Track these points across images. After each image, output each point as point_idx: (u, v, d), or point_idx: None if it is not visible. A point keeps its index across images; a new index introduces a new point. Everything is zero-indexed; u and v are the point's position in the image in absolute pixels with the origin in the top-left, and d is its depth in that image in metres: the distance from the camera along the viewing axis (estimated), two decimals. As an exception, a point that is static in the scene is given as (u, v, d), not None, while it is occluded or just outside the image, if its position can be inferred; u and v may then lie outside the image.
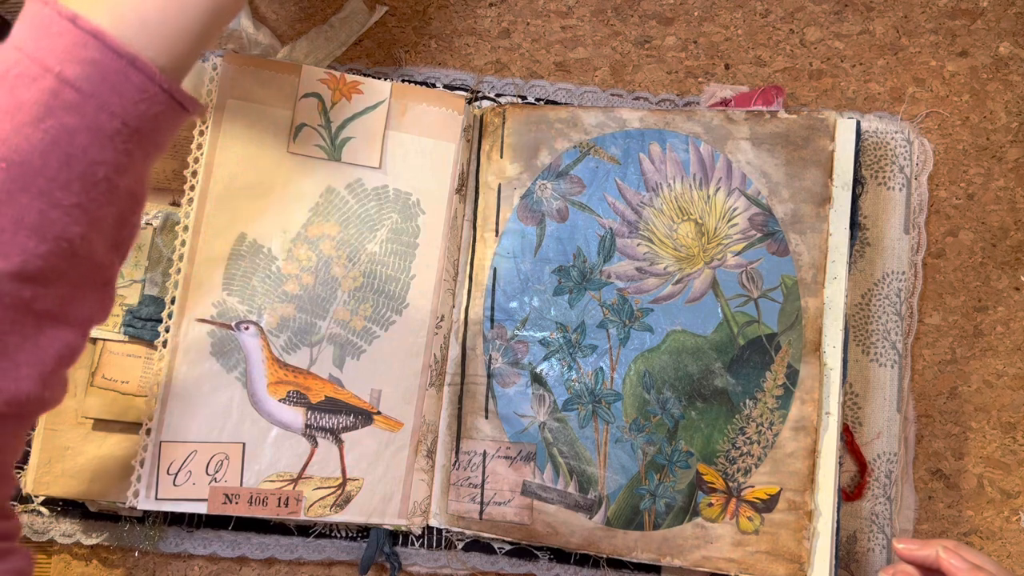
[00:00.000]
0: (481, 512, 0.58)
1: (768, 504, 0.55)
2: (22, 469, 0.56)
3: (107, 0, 0.34)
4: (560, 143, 0.60)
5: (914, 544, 0.51)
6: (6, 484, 0.37)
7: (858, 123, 0.57)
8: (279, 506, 0.56)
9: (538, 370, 0.58)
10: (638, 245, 0.59)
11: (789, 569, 0.54)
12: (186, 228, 0.57)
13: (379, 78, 0.61)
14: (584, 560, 0.59)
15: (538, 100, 0.63)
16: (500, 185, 0.61)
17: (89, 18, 0.33)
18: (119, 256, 0.40)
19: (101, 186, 0.35)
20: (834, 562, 0.54)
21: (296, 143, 0.58)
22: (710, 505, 0.56)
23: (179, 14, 0.36)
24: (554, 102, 0.63)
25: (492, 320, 0.60)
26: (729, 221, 0.58)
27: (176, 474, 0.55)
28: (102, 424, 0.56)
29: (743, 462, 0.56)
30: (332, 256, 0.59)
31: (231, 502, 0.56)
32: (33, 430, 0.56)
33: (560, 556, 0.59)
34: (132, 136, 0.35)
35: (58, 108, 0.33)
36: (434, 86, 0.63)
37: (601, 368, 0.58)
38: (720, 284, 0.57)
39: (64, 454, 0.56)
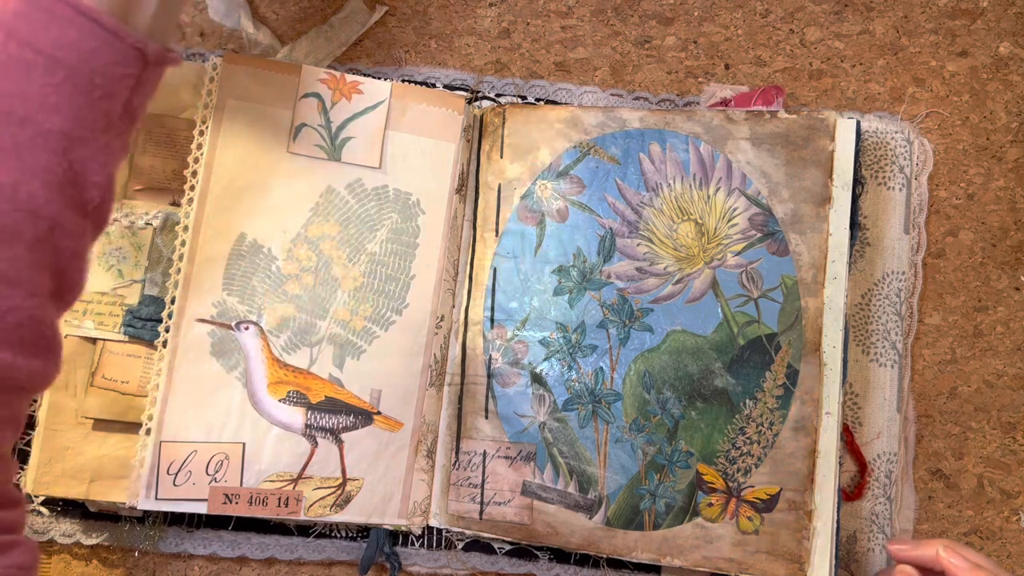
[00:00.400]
0: (481, 512, 0.58)
1: (768, 504, 0.55)
2: (22, 469, 0.56)
3: None
4: (560, 143, 0.60)
5: (907, 544, 0.51)
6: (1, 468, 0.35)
7: (858, 123, 0.57)
8: (279, 506, 0.56)
9: (538, 370, 0.58)
10: (638, 245, 0.59)
11: (789, 569, 0.54)
12: (186, 228, 0.57)
13: (379, 78, 0.61)
14: (584, 560, 0.59)
15: (538, 100, 0.63)
16: (500, 185, 0.61)
17: None
18: (92, 224, 0.36)
19: (27, 128, 0.32)
20: (834, 562, 0.54)
21: (296, 143, 0.58)
22: (710, 505, 0.56)
23: None
24: (554, 102, 0.63)
25: (492, 320, 0.60)
26: (729, 221, 0.58)
27: (176, 474, 0.55)
28: (102, 424, 0.56)
29: (743, 462, 0.56)
30: (332, 256, 0.59)
31: (231, 502, 0.56)
32: (33, 430, 0.56)
33: (560, 556, 0.59)
34: (52, 67, 0.32)
35: None
36: (434, 86, 0.63)
37: (601, 368, 0.58)
38: (720, 284, 0.57)
39: (64, 454, 0.56)
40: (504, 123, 0.61)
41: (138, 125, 0.39)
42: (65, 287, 0.37)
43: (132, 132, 0.38)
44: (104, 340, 0.57)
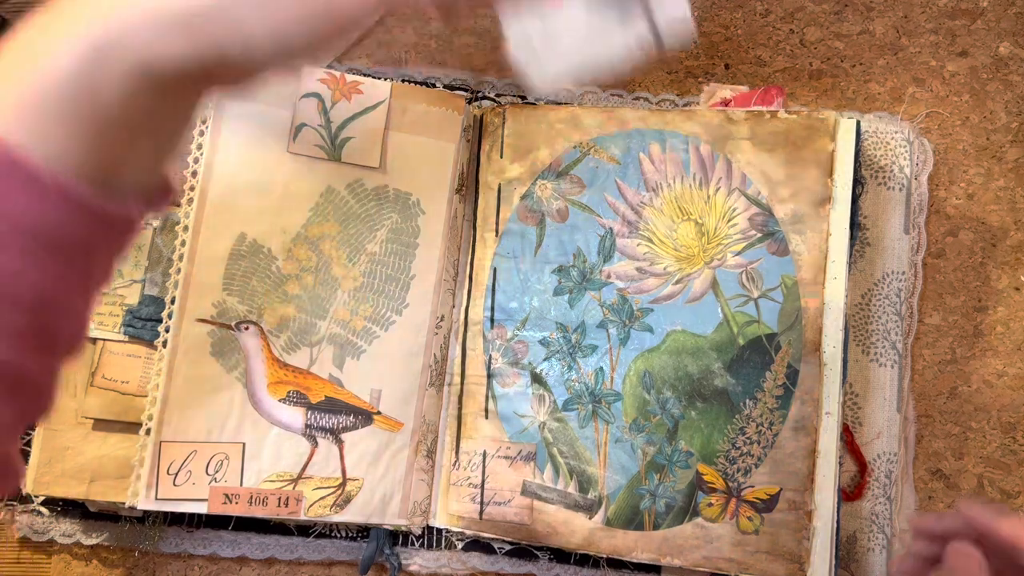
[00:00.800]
0: (481, 512, 0.58)
1: (768, 504, 0.55)
2: (22, 469, 0.56)
3: None
4: (560, 143, 0.60)
5: (931, 521, 0.45)
6: None
7: (858, 123, 0.57)
8: (279, 506, 0.56)
9: (538, 370, 0.58)
10: (638, 245, 0.59)
11: (789, 569, 0.54)
12: (186, 228, 0.57)
13: (379, 78, 0.61)
14: (584, 560, 0.59)
15: (538, 100, 0.63)
16: (500, 185, 0.61)
17: None
18: (64, 355, 0.34)
19: None
20: (834, 562, 0.54)
21: (296, 143, 0.58)
22: (710, 505, 0.56)
23: (25, 88, 0.28)
24: (554, 102, 0.63)
25: (492, 320, 0.60)
26: (729, 221, 0.58)
27: (176, 474, 0.55)
28: (102, 424, 0.56)
29: (743, 462, 0.56)
30: (332, 256, 0.59)
31: (231, 502, 0.56)
32: (33, 430, 0.56)
33: (560, 556, 0.59)
34: (15, 237, 0.29)
35: None
36: (434, 86, 0.63)
37: (601, 368, 0.58)
38: (720, 284, 0.57)
39: (64, 454, 0.56)
40: (504, 123, 0.61)
41: (121, 261, 0.35)
42: (30, 413, 0.34)
43: (113, 273, 0.35)
44: (104, 340, 0.57)
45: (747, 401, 0.56)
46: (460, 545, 0.60)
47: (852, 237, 0.56)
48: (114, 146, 0.30)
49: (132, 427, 0.56)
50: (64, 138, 0.28)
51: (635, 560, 0.56)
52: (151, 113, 0.30)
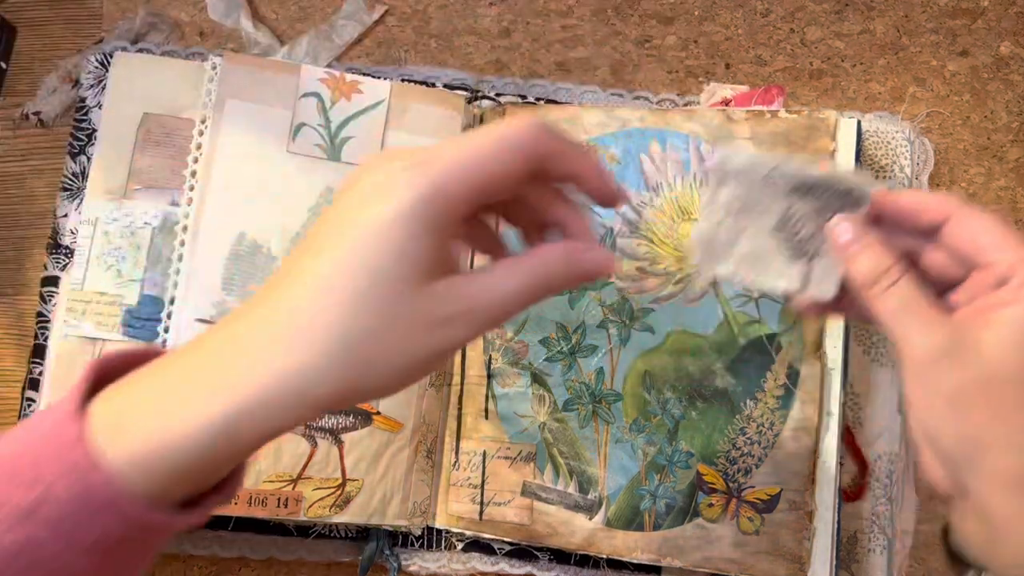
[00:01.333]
0: (481, 512, 0.58)
1: (768, 504, 0.55)
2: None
3: (124, 426, 0.31)
4: (560, 143, 0.60)
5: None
6: None
7: (859, 123, 0.57)
8: (279, 506, 0.56)
9: (538, 370, 0.58)
10: (638, 245, 0.58)
11: (789, 569, 0.54)
12: (185, 228, 0.57)
13: (379, 78, 0.60)
14: (584, 560, 0.59)
15: (538, 100, 0.63)
16: (500, 185, 0.60)
17: (96, 438, 0.30)
18: None
19: None
20: (834, 563, 0.54)
21: (295, 143, 0.58)
22: (710, 506, 0.56)
23: (179, 449, 0.31)
24: (554, 102, 0.63)
25: (492, 320, 0.59)
26: (729, 221, 0.58)
27: (175, 474, 0.55)
28: (101, 424, 0.56)
29: (743, 462, 0.56)
30: (332, 256, 0.58)
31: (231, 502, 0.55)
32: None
33: (560, 556, 0.59)
34: (110, 549, 0.32)
35: (37, 519, 0.30)
36: (434, 86, 0.63)
37: (601, 368, 0.58)
38: (721, 284, 0.57)
39: (63, 454, 0.55)
40: (504, 123, 0.61)
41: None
42: None
43: None
44: (103, 340, 0.57)
45: (748, 401, 0.56)
46: (460, 546, 0.59)
47: (853, 237, 0.56)
48: (209, 480, 0.33)
49: (131, 427, 0.56)
50: (168, 484, 0.31)
51: (635, 561, 0.56)
52: (254, 450, 0.33)
